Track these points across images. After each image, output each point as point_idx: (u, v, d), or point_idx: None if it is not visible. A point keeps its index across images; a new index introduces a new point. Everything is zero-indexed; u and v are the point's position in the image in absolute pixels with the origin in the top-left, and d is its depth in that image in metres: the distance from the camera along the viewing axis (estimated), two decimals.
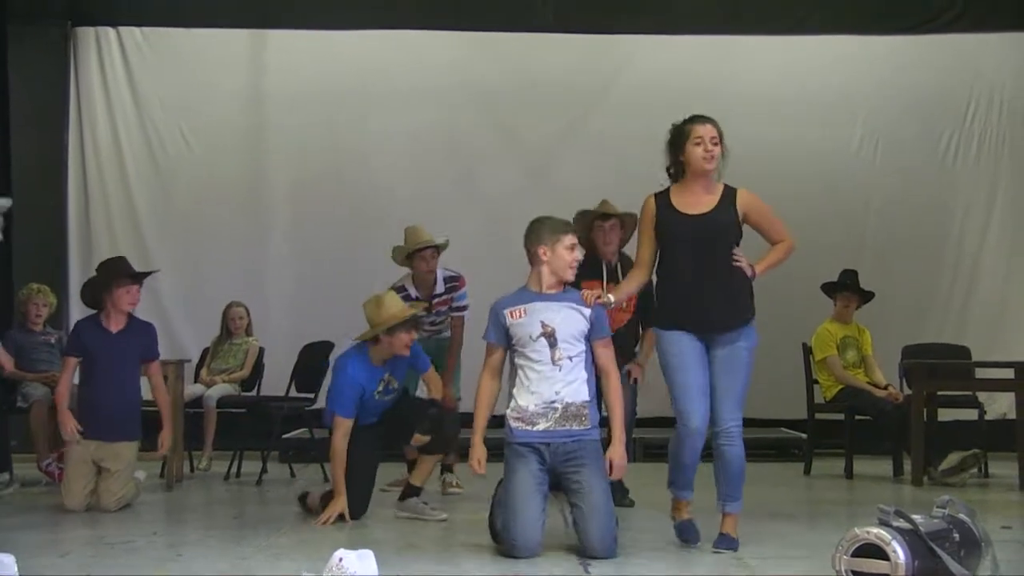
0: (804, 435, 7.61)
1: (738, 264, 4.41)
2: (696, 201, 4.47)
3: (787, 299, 7.75)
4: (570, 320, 4.53)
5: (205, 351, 7.88)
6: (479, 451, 4.61)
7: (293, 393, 7.17)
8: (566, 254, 4.57)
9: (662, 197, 4.57)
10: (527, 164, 8.84)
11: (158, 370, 6.03)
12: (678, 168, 4.53)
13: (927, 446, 6.75)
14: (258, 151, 8.92)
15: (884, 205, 8.88)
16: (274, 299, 8.53)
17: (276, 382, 7.41)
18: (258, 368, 7.63)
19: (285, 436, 7.75)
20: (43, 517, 5.65)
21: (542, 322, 4.51)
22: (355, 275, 7.98)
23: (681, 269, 4.46)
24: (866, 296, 7.40)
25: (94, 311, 5.95)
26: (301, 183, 8.90)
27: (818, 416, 7.35)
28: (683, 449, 4.49)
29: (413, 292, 6.35)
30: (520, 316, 4.56)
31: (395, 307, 5.38)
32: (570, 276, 4.63)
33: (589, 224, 5.78)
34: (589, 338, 4.56)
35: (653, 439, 7.60)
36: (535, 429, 4.48)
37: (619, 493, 5.56)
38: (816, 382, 7.36)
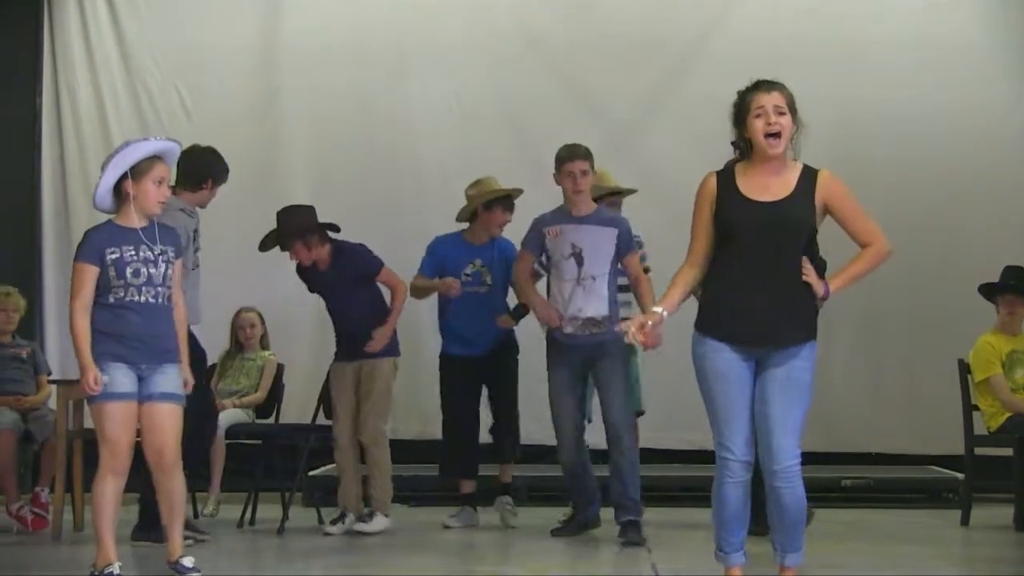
0: (961, 475, 7.58)
1: (806, 277, 4.40)
2: (766, 184, 4.48)
3: (938, 305, 7.71)
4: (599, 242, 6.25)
5: (211, 368, 7.82)
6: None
7: (321, 420, 7.14)
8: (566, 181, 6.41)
9: (725, 175, 4.57)
10: (603, 134, 8.72)
11: None
12: (745, 145, 4.55)
13: None
14: (272, 120, 8.99)
15: None
16: (295, 304, 8.40)
17: (299, 406, 7.45)
18: (276, 389, 7.64)
19: (311, 473, 7.75)
20: None
21: (572, 243, 6.25)
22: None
23: (738, 267, 4.48)
24: None
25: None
26: (324, 159, 8.92)
27: (979, 451, 7.30)
28: (726, 491, 4.46)
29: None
30: (555, 236, 6.33)
31: (494, 184, 7.01)
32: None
33: None
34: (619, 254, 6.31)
35: None
36: (564, 331, 6.26)
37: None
38: (976, 408, 7.30)
